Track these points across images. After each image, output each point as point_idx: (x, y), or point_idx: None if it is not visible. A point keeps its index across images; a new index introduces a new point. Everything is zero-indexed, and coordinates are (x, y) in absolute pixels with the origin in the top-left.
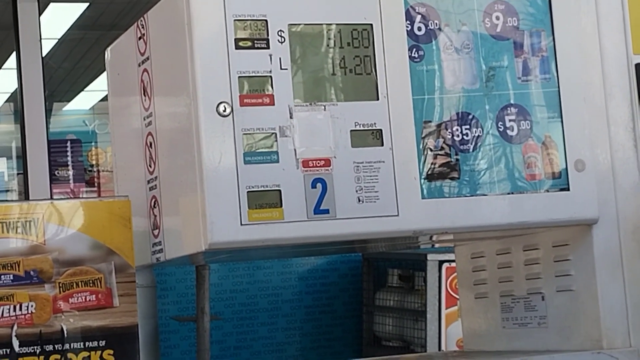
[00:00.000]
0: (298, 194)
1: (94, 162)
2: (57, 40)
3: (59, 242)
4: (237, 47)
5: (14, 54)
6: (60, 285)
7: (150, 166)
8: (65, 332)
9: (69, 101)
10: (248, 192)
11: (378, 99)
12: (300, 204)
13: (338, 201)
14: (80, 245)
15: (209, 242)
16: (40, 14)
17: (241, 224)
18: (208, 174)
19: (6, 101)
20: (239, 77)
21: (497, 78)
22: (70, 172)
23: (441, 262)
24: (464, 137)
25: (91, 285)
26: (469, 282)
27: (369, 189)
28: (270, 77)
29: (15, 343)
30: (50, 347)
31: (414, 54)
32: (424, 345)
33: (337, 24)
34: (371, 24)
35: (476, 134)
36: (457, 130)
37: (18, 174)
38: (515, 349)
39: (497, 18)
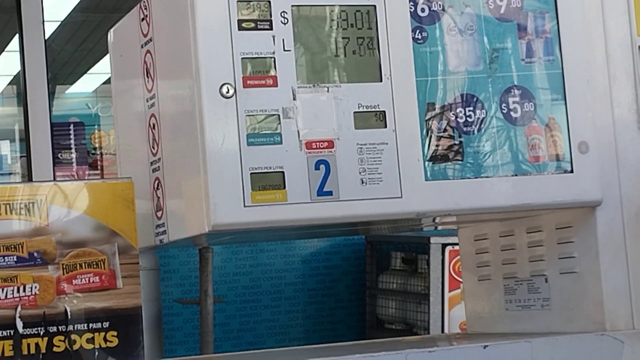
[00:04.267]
0: (301, 175)
1: (97, 145)
2: (59, 22)
3: (62, 224)
4: (240, 29)
5: (16, 37)
6: (64, 266)
7: (154, 148)
8: (69, 313)
9: (71, 84)
10: (251, 173)
11: (381, 81)
12: (304, 185)
13: (341, 183)
14: (83, 227)
15: (212, 223)
16: None
17: (244, 206)
18: (211, 155)
19: (9, 84)
20: (242, 58)
21: (501, 60)
22: (74, 155)
23: (444, 245)
24: (468, 119)
25: (94, 266)
26: (472, 264)
27: (372, 170)
28: (274, 58)
29: (19, 324)
30: (54, 329)
31: (418, 35)
32: (427, 328)
33: (340, 5)
34: (374, 5)
35: (480, 116)
36: (461, 112)
37: (21, 156)
38: (518, 331)
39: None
